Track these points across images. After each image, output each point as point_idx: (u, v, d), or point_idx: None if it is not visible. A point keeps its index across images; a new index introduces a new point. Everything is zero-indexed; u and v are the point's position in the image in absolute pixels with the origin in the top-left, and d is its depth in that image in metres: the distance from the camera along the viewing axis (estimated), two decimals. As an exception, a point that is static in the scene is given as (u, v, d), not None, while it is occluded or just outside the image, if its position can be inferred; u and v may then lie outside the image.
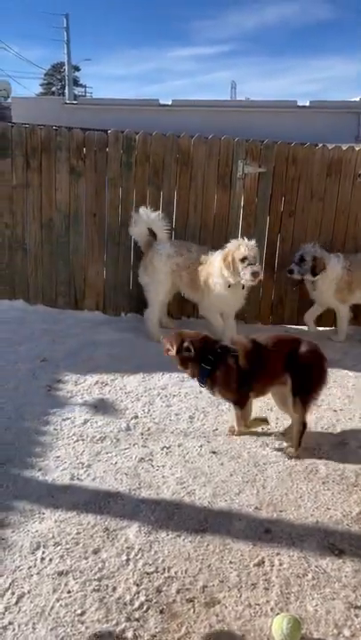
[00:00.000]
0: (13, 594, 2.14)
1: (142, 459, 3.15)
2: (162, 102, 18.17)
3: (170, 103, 18.07)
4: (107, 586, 2.21)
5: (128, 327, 5.41)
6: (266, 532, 2.57)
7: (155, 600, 2.15)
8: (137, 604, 2.12)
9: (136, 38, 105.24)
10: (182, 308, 5.69)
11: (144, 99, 18.58)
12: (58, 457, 3.13)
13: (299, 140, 5.78)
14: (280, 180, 5.43)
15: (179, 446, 3.31)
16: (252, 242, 4.65)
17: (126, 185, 5.41)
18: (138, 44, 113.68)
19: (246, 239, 4.71)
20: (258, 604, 2.15)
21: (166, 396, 3.99)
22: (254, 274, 4.54)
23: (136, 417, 3.66)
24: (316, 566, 2.37)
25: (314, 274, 5.10)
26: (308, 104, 18.57)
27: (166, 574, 2.28)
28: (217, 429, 3.54)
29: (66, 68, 28.91)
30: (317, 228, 5.53)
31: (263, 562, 2.38)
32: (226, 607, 2.14)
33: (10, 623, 2.00)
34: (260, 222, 5.50)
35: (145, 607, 2.11)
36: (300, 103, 18.68)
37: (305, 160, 5.42)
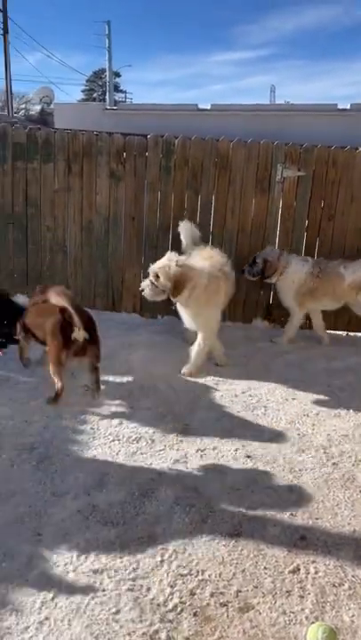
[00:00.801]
0: (50, 590, 2.17)
1: (177, 460, 3.16)
2: (200, 107, 18.23)
3: (208, 108, 18.12)
4: (141, 586, 2.22)
5: (164, 330, 5.44)
6: (301, 538, 2.54)
7: (188, 602, 2.15)
8: (171, 605, 2.13)
9: (176, 44, 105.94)
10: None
11: (183, 103, 18.67)
12: (95, 456, 3.17)
13: (339, 144, 5.70)
14: (319, 184, 5.37)
15: (213, 449, 3.30)
16: None
17: (165, 189, 5.46)
18: (177, 49, 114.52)
19: None
20: (293, 612, 2.13)
21: (201, 399, 3.99)
22: None
23: (171, 419, 3.67)
24: (353, 576, 2.32)
25: (265, 276, 5.10)
26: (348, 107, 18.28)
27: (200, 577, 2.28)
28: (252, 433, 3.51)
29: (107, 74, 29.34)
30: (357, 231, 5.43)
31: (298, 569, 2.35)
32: (260, 613, 2.12)
33: (46, 618, 2.04)
34: (299, 226, 5.45)
35: (179, 609, 2.12)
36: (340, 106, 18.40)
37: (345, 164, 5.34)
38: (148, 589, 2.21)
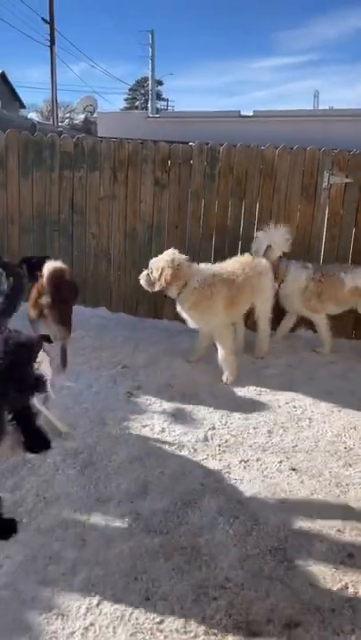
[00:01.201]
0: (96, 596, 2.18)
1: (220, 470, 3.13)
2: (243, 113, 18.18)
3: (251, 114, 18.05)
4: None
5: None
6: (349, 556, 2.47)
7: (233, 616, 2.12)
8: (216, 618, 2.10)
9: (218, 51, 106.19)
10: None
11: (225, 110, 18.66)
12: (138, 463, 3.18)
13: (388, 150, 5.57)
14: (368, 191, 5.26)
15: (257, 460, 3.26)
16: None
17: (209, 196, 5.46)
18: (220, 56, 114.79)
19: None
20: (342, 631, 2.07)
21: (244, 409, 3.95)
22: None
23: (213, 428, 3.65)
24: None
25: None
26: (395, 112, 17.84)
27: (245, 591, 2.25)
28: (297, 446, 3.45)
29: (150, 82, 29.70)
30: None
31: (347, 587, 2.28)
32: (307, 631, 2.07)
33: (91, 624, 2.05)
34: (346, 234, 5.34)
35: (223, 622, 2.09)
36: (386, 111, 17.98)
37: (394, 170, 5.21)
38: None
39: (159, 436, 3.49)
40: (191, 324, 4.55)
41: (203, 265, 4.56)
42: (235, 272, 4.54)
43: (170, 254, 4.40)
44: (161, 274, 4.34)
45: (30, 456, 3.15)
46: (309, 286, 5.01)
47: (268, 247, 4.91)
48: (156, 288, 4.46)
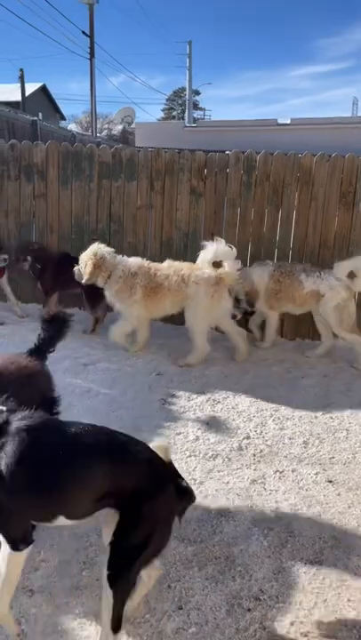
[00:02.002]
0: (129, 602, 2.18)
1: (254, 481, 3.10)
2: (280, 122, 18.11)
3: (288, 122, 17.96)
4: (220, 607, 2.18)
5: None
6: (388, 572, 2.40)
7: (268, 629, 2.09)
8: (251, 630, 2.07)
9: (256, 60, 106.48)
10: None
11: (262, 119, 18.64)
12: (171, 471, 3.17)
13: None
14: None
15: (292, 471, 3.21)
16: None
17: (245, 204, 5.46)
18: (256, 65, 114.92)
19: None
20: (380, 651, 2.01)
21: (279, 418, 3.90)
22: None
23: (248, 437, 3.62)
24: None
25: None
26: None
27: (280, 604, 2.21)
28: (334, 457, 3.39)
29: (187, 92, 29.91)
30: None
31: (384, 604, 2.22)
32: (344, 648, 2.02)
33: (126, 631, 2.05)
34: (385, 242, 5.25)
35: (258, 634, 2.06)
36: None
37: None
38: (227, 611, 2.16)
39: (193, 445, 3.48)
40: (117, 309, 4.87)
41: (132, 258, 4.80)
42: (163, 270, 4.73)
43: (93, 248, 4.72)
44: (85, 267, 4.67)
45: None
46: (269, 284, 4.98)
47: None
48: (85, 280, 4.71)
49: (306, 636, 2.07)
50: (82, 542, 2.51)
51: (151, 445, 1.95)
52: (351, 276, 4.82)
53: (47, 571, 2.33)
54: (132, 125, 25.09)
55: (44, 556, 2.41)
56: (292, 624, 2.12)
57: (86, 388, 4.21)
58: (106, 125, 37.07)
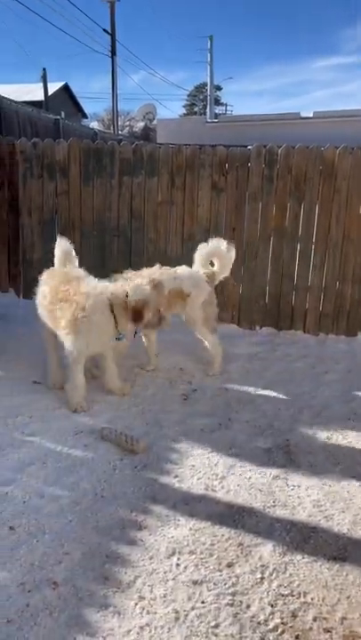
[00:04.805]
0: (150, 596, 2.20)
1: (277, 476, 3.08)
2: (303, 115, 17.90)
3: (311, 115, 17.74)
4: (240, 602, 2.18)
5: (262, 341, 5.38)
6: None
7: (290, 624, 2.07)
8: (271, 625, 2.06)
9: (276, 53, 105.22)
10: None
11: (285, 112, 18.43)
12: (193, 466, 3.18)
13: None
14: None
15: (315, 467, 3.18)
16: None
17: (266, 199, 5.41)
18: (278, 58, 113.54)
19: None
20: None
21: (304, 414, 3.87)
22: None
23: (270, 433, 3.60)
24: None
25: None
26: None
27: (302, 599, 2.20)
28: (358, 452, 3.34)
29: (208, 88, 29.78)
30: None
31: None
32: (367, 645, 1.99)
33: (147, 624, 2.06)
34: None
35: (280, 630, 2.05)
36: None
37: None
38: (248, 606, 2.16)
39: (215, 440, 3.47)
40: None
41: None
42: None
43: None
44: None
45: (89, 455, 3.22)
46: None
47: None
48: None
49: (329, 631, 2.05)
50: (105, 536, 2.53)
51: None
52: (213, 264, 4.48)
53: (70, 563, 2.36)
54: (154, 122, 25.11)
55: (67, 548, 2.44)
56: (314, 619, 2.10)
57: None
58: (127, 122, 37.21)
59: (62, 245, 4.20)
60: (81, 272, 4.02)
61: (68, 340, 3.71)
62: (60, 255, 4.20)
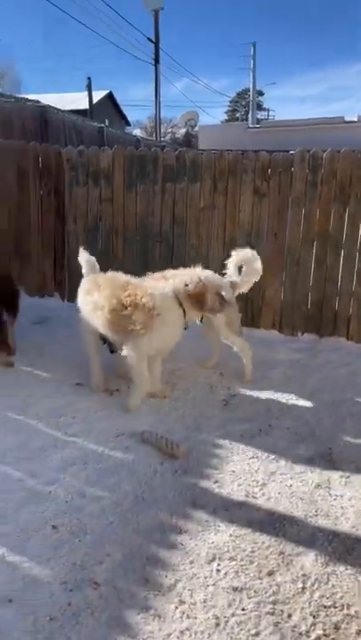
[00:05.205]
0: (191, 601, 2.20)
1: (319, 485, 3.03)
2: (347, 119, 17.64)
3: (356, 120, 17.47)
4: (281, 611, 2.15)
5: (304, 348, 5.30)
6: None
7: (332, 636, 2.03)
8: (313, 636, 2.03)
9: (320, 57, 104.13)
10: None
11: (328, 117, 18.22)
12: (233, 471, 3.17)
13: None
14: None
15: (359, 476, 3.11)
16: None
17: (310, 204, 5.35)
18: (322, 62, 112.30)
19: None
20: None
21: (346, 423, 3.79)
22: None
23: (312, 440, 3.54)
24: None
25: None
26: None
27: (345, 611, 2.15)
28: None
29: (250, 93, 29.76)
30: None
31: None
32: None
33: (187, 629, 2.06)
34: None
35: (321, 641, 2.01)
36: None
37: None
38: (290, 616, 2.13)
39: (255, 446, 3.44)
40: None
41: None
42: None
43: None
44: None
45: (130, 458, 3.26)
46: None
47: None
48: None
49: (373, 646, 2.00)
50: (146, 538, 2.55)
51: None
52: (240, 271, 4.48)
53: (111, 564, 2.39)
54: (196, 129, 25.25)
55: (108, 549, 2.47)
56: (358, 633, 2.05)
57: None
58: (169, 129, 37.53)
59: (86, 256, 4.40)
60: (124, 276, 4.10)
61: (141, 340, 3.80)
62: (87, 265, 4.36)
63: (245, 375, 4.49)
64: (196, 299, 3.88)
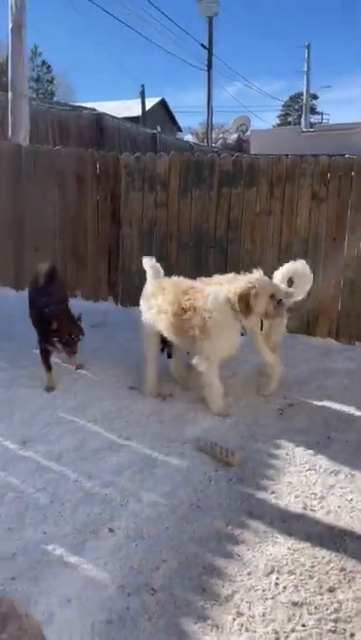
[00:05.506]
0: (249, 613, 2.16)
1: (379, 499, 2.92)
2: None
3: None
4: (344, 630, 2.08)
5: (362, 357, 5.14)
6: None
7: None
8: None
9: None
10: None
11: (386, 120, 17.71)
12: (290, 483, 3.10)
13: None
14: None
15: None
16: None
17: (370, 209, 5.20)
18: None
19: None
20: None
21: None
22: None
23: (373, 454, 3.43)
24: None
25: None
26: None
27: None
28: None
29: (304, 97, 29.35)
30: None
31: None
32: None
33: (246, 641, 2.02)
34: None
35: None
36: None
37: None
38: (352, 635, 2.05)
39: (313, 458, 3.36)
40: None
41: None
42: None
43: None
44: None
45: (184, 464, 3.24)
46: None
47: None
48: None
49: None
50: (202, 546, 2.53)
51: None
52: (290, 282, 4.22)
53: (168, 571, 2.37)
54: (247, 133, 25.10)
55: (165, 555, 2.46)
56: None
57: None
58: (221, 135, 37.51)
59: (151, 262, 4.38)
60: (188, 281, 4.12)
61: (202, 346, 3.82)
62: (151, 270, 4.35)
63: (265, 389, 4.30)
64: (245, 301, 3.73)
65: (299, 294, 4.15)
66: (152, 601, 2.21)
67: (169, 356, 4.26)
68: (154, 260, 4.40)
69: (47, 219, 6.63)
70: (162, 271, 4.37)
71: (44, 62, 38.59)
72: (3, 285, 6.87)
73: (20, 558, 2.42)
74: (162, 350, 4.33)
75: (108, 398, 4.10)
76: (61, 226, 6.59)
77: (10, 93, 7.57)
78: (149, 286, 4.29)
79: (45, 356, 4.23)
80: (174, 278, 4.21)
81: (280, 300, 3.82)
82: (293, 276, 4.22)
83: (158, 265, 4.39)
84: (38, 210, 6.63)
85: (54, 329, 4.03)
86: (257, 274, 3.94)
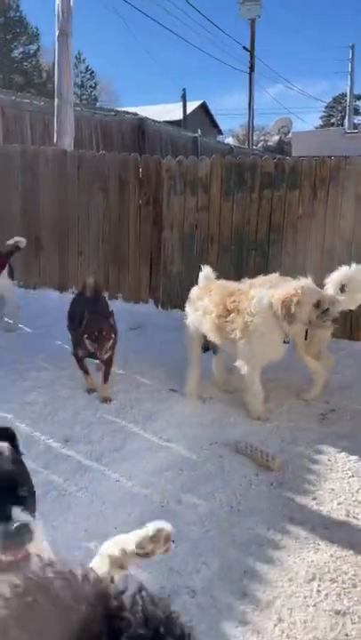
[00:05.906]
0: (290, 620, 2.13)
1: None
2: None
3: None
4: (388, 642, 2.03)
5: None
6: None
7: None
8: None
9: None
10: None
11: None
12: (332, 489, 3.04)
13: None
14: None
15: None
16: None
17: None
18: None
19: None
20: None
21: None
22: None
23: None
24: None
25: None
26: None
27: None
28: None
29: (348, 98, 28.87)
30: None
31: None
32: None
33: (288, 648, 2.00)
34: None
35: None
36: None
37: None
38: None
39: (357, 465, 3.29)
40: None
41: None
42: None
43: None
44: None
45: (224, 467, 3.23)
46: None
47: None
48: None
49: None
50: (242, 551, 2.52)
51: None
52: (343, 289, 3.95)
53: (208, 574, 2.37)
54: (288, 135, 24.83)
55: (205, 558, 2.46)
56: None
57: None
58: (262, 137, 37.30)
59: (207, 271, 4.30)
60: (235, 284, 4.13)
61: (244, 349, 3.82)
62: (205, 279, 4.30)
63: (307, 394, 4.21)
64: (287, 309, 3.62)
65: (349, 304, 3.93)
66: (193, 603, 2.21)
67: (211, 351, 4.27)
68: (209, 268, 4.31)
69: (91, 223, 6.74)
70: (213, 277, 4.30)
71: (87, 68, 39.24)
72: (47, 287, 7.02)
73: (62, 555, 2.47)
74: (207, 349, 4.33)
75: (148, 400, 4.13)
76: (104, 230, 6.69)
77: (56, 100, 7.75)
78: (196, 289, 4.31)
79: (79, 360, 4.22)
80: (222, 281, 4.22)
81: (327, 308, 3.72)
82: (347, 282, 3.97)
83: (213, 276, 4.28)
84: (82, 214, 6.76)
85: (85, 325, 3.90)
86: (304, 281, 3.85)
